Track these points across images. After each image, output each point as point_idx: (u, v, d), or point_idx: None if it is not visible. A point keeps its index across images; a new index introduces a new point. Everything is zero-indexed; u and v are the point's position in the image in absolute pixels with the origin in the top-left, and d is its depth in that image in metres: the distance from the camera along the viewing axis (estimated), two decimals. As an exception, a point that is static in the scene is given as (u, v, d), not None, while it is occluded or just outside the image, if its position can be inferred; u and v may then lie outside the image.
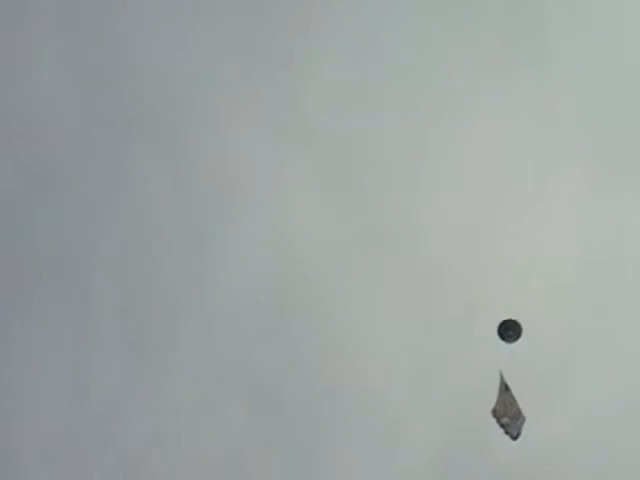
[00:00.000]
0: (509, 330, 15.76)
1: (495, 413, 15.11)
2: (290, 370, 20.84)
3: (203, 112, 20.97)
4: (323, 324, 20.83)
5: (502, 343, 16.01)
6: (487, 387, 17.89)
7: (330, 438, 20.64)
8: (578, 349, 18.84)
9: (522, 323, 15.97)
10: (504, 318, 15.99)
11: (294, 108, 20.83)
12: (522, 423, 15.15)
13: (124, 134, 20.83)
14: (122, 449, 20.31)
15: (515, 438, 15.12)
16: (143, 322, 20.75)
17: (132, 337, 20.70)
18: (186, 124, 20.96)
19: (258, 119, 20.86)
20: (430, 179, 20.56)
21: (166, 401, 20.54)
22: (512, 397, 15.29)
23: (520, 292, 18.45)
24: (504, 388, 15.33)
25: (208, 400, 20.68)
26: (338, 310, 20.87)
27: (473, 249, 19.55)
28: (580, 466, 19.74)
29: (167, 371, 20.67)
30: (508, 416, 15.09)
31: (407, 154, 20.68)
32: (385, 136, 20.80)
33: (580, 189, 19.92)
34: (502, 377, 15.41)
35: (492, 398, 17.51)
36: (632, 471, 19.29)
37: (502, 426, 15.13)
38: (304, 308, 20.87)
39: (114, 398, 20.48)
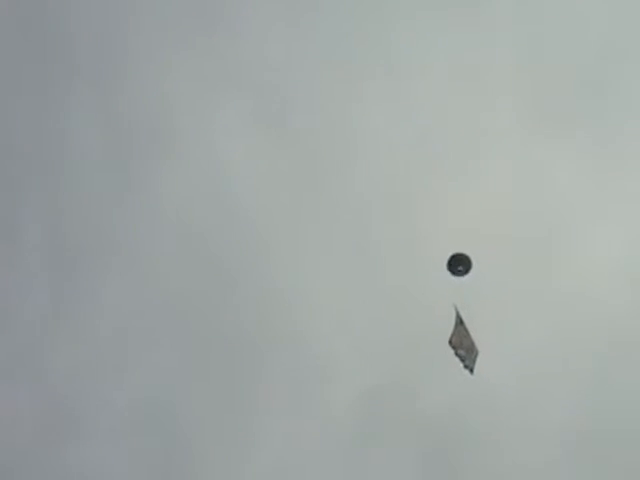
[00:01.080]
0: (459, 264, 15.43)
1: (452, 344, 14.75)
2: (219, 302, 20.29)
3: (139, 49, 20.12)
4: (254, 257, 20.31)
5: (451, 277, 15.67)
6: (428, 327, 17.78)
7: (259, 372, 20.27)
8: (521, 286, 18.86)
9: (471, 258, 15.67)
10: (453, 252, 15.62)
11: (230, 51, 20.29)
12: (476, 357, 14.83)
13: (56, 70, 19.78)
14: (48, 379, 19.39)
15: (471, 371, 14.79)
16: (70, 251, 19.89)
17: (58, 267, 19.90)
18: (120, 61, 20.10)
19: (195, 58, 20.17)
20: (365, 117, 20.17)
21: (92, 331, 19.77)
22: (466, 330, 14.96)
23: (467, 229, 18.26)
24: (459, 321, 14.98)
25: (134, 330, 20.01)
26: (270, 245, 20.37)
27: (416, 185, 19.28)
28: (510, 414, 19.80)
29: (93, 301, 19.91)
30: (463, 348, 14.75)
31: (341, 96, 20.25)
32: (319, 78, 20.33)
33: (512, 132, 19.90)
34: (457, 310, 15.06)
35: (431, 338, 17.45)
36: (563, 418, 19.40)
37: (458, 357, 14.78)
38: (235, 243, 20.29)
39: (40, 329, 19.55)
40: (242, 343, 20.16)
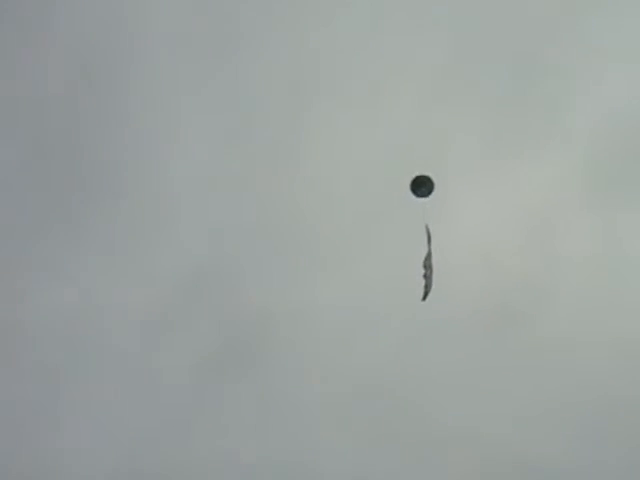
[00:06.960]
0: (421, 185, 14.76)
1: (424, 263, 13.81)
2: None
3: None
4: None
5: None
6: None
7: (101, 204, 18.93)
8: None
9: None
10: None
11: None
12: (430, 285, 13.98)
13: None
14: None
15: (424, 298, 13.91)
16: None
17: None
18: None
19: None
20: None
21: None
22: (430, 253, 14.11)
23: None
24: (428, 241, 14.11)
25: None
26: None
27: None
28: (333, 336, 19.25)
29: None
30: (428, 269, 13.88)
31: None
32: None
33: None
34: (428, 230, 14.16)
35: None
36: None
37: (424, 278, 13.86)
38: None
39: None
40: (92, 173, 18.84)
